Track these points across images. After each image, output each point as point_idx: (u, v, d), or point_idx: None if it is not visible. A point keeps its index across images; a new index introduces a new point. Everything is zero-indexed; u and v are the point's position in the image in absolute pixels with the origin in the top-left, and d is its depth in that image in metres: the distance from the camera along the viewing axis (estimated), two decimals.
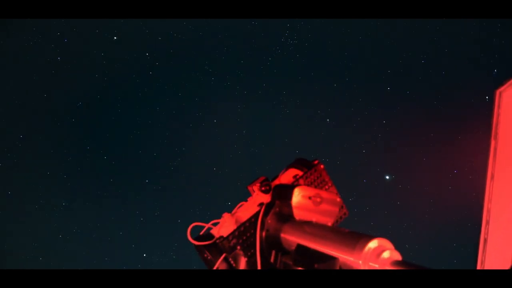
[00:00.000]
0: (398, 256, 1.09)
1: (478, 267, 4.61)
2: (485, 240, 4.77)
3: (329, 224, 1.60)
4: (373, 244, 1.11)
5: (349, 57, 10.48)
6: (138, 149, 10.49)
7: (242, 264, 1.55)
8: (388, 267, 1.04)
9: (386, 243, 1.12)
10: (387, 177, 9.69)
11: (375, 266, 1.07)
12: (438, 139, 9.74)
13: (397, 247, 1.10)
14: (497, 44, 9.31)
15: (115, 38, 9.82)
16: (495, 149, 5.09)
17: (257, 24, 10.25)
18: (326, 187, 1.76)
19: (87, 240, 9.91)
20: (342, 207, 1.74)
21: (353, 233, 1.23)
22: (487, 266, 4.58)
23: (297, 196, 1.55)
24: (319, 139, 10.55)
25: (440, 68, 9.92)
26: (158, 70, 10.36)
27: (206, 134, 10.59)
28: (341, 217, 1.76)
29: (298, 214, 1.53)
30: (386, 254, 1.08)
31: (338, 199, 1.66)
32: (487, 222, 4.80)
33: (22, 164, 9.67)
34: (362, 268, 1.09)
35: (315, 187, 1.71)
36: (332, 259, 1.20)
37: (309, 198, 1.57)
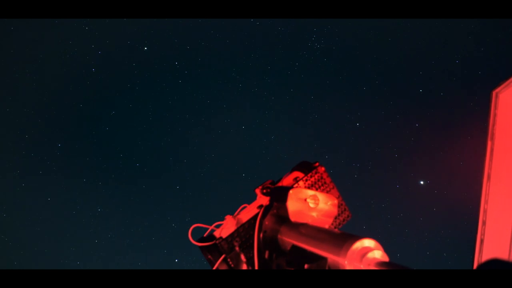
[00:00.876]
0: (384, 257, 1.10)
1: (475, 268, 4.62)
2: (482, 241, 4.79)
3: (327, 225, 1.62)
4: (359, 245, 1.12)
5: (377, 60, 10.39)
6: (169, 156, 10.63)
7: (241, 264, 1.57)
8: (372, 267, 1.06)
9: (373, 244, 1.13)
10: (421, 182, 9.55)
11: (360, 266, 1.09)
12: (434, 139, 9.77)
13: (390, 247, 1.12)
14: (494, 45, 9.34)
15: (145, 48, 10.05)
16: (492, 149, 5.11)
17: (283, 30, 10.27)
18: (328, 189, 1.75)
19: (121, 245, 10.10)
20: (344, 210, 1.75)
21: (343, 234, 1.24)
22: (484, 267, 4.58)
23: (292, 198, 1.56)
24: (349, 144, 10.50)
25: (437, 69, 9.95)
26: (188, 78, 10.49)
27: (236, 141, 10.65)
28: (344, 220, 1.76)
29: (293, 216, 1.55)
30: (371, 255, 1.09)
31: (336, 201, 1.67)
32: (484, 223, 4.83)
33: (60, 171, 9.94)
34: (347, 268, 1.11)
35: (316, 189, 1.71)
36: (322, 259, 1.22)
37: (305, 200, 1.58)
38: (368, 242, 1.13)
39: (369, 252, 1.10)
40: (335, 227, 1.71)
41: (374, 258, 1.08)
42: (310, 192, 1.61)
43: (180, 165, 10.68)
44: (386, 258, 1.10)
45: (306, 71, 10.59)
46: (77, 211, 9.97)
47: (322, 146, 10.68)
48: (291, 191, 1.57)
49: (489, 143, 5.12)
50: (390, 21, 9.63)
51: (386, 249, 1.12)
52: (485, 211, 4.89)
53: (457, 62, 9.74)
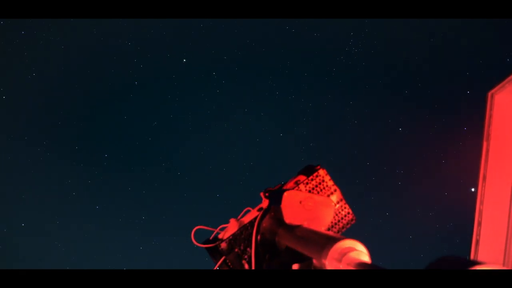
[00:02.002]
0: (365, 258, 1.10)
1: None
2: (477, 242, 4.82)
3: (323, 227, 1.63)
4: (340, 245, 1.13)
5: (419, 61, 10.23)
6: (209, 165, 10.84)
7: (240, 265, 1.59)
8: (351, 267, 1.06)
9: (356, 245, 1.14)
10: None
11: (339, 266, 1.10)
12: (429, 140, 9.79)
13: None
14: (490, 46, 9.38)
15: (184, 60, 10.41)
16: (487, 150, 5.14)
17: (319, 36, 10.23)
18: (329, 192, 1.74)
19: (166, 252, 10.36)
20: (348, 213, 1.73)
21: (330, 235, 1.26)
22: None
23: (286, 200, 1.57)
24: (392, 149, 10.39)
25: (433, 69, 9.98)
26: (224, 88, 10.74)
27: (273, 147, 10.72)
28: (348, 223, 1.74)
29: (288, 218, 1.56)
30: (352, 256, 1.09)
31: (332, 204, 1.67)
32: (479, 224, 4.85)
33: (107, 181, 10.52)
34: (327, 268, 1.13)
35: (318, 192, 1.71)
36: (308, 260, 1.24)
37: (300, 202, 1.60)
38: (350, 243, 1.13)
39: (349, 252, 1.10)
40: (338, 231, 1.71)
41: (355, 259, 1.09)
42: (305, 195, 1.62)
43: (219, 173, 10.93)
44: (368, 259, 1.11)
45: (344, 76, 10.52)
46: (122, 219, 10.44)
47: (363, 151, 10.58)
48: (285, 194, 1.58)
49: (484, 144, 5.14)
50: (386, 22, 9.62)
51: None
52: (480, 212, 4.92)
53: (453, 62, 9.77)
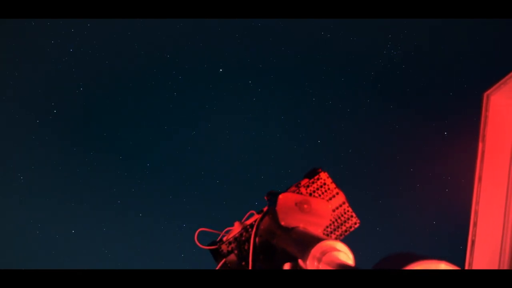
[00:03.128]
0: (345, 258, 1.12)
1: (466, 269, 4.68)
2: (473, 242, 4.86)
3: (320, 229, 1.64)
4: (320, 246, 1.14)
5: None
6: (247, 173, 10.80)
7: (240, 267, 1.62)
8: (329, 267, 1.08)
9: (337, 245, 1.15)
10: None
11: (319, 266, 1.11)
12: (425, 140, 9.81)
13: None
14: (486, 46, 9.40)
15: (220, 70, 10.47)
16: (483, 151, 5.17)
17: (355, 40, 10.00)
18: (331, 195, 1.72)
19: (204, 259, 10.37)
20: (351, 217, 1.72)
21: (316, 236, 1.29)
22: (475, 268, 4.65)
23: (282, 203, 1.58)
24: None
25: (429, 69, 9.99)
26: (260, 96, 10.64)
27: (308, 154, 10.63)
28: (351, 227, 1.73)
29: (283, 220, 1.57)
30: (331, 255, 1.11)
31: (329, 207, 1.67)
32: (475, 224, 4.89)
33: (149, 189, 10.71)
34: (308, 268, 1.15)
35: (319, 195, 1.70)
36: (295, 260, 1.27)
37: (295, 204, 1.61)
38: (331, 244, 1.15)
39: (329, 252, 1.12)
40: (340, 234, 1.72)
41: (335, 259, 1.10)
42: (302, 197, 1.63)
43: (257, 182, 10.92)
44: (349, 259, 1.12)
45: (383, 80, 10.18)
46: (165, 227, 10.64)
47: (404, 161, 10.35)
48: (280, 196, 1.60)
49: (480, 145, 5.18)
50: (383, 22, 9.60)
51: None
52: (476, 213, 4.95)
53: (449, 63, 9.78)
